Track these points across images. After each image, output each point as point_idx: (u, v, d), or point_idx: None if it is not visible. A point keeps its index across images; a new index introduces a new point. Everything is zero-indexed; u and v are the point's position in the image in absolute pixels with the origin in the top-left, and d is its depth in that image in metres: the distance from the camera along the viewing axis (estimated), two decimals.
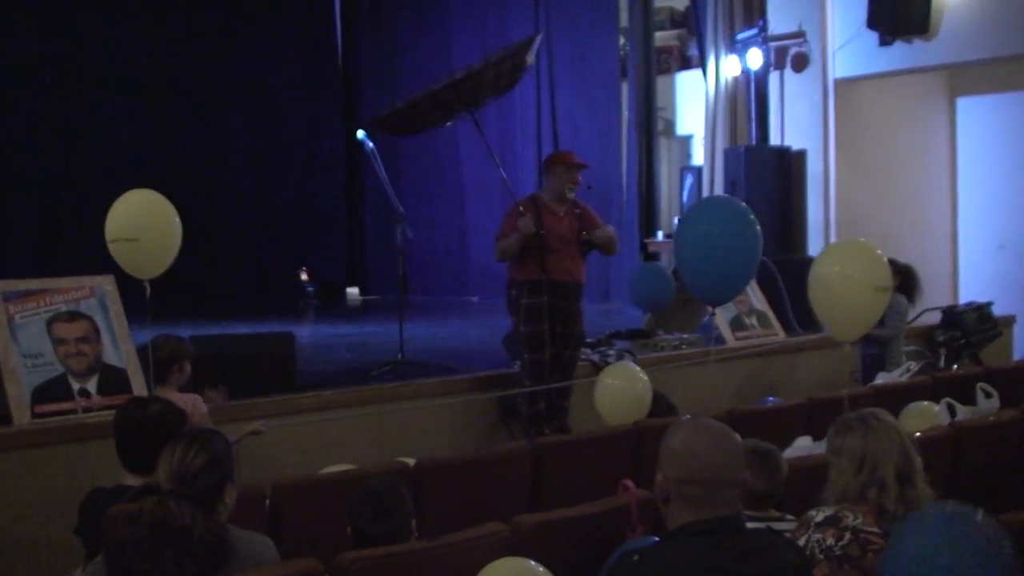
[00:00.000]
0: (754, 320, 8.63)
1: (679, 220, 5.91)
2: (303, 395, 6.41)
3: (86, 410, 5.55)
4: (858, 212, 10.41)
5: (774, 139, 10.78)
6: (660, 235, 12.03)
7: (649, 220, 12.16)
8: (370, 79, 14.44)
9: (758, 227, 5.31)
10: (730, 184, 10.44)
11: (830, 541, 3.11)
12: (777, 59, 10.49)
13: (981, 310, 9.12)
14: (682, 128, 13.12)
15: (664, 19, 13.09)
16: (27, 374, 5.50)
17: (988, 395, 5.95)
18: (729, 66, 11.03)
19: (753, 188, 10.11)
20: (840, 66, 10.41)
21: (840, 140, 10.47)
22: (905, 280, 7.91)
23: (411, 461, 4.70)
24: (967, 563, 2.40)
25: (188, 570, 2.74)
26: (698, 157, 12.29)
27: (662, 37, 12.86)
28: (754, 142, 10.83)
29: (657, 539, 2.94)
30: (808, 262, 5.28)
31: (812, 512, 3.23)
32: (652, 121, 12.19)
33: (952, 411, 5.66)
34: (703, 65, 11.43)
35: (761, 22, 10.69)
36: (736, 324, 8.48)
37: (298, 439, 6.04)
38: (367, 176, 13.64)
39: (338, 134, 14.35)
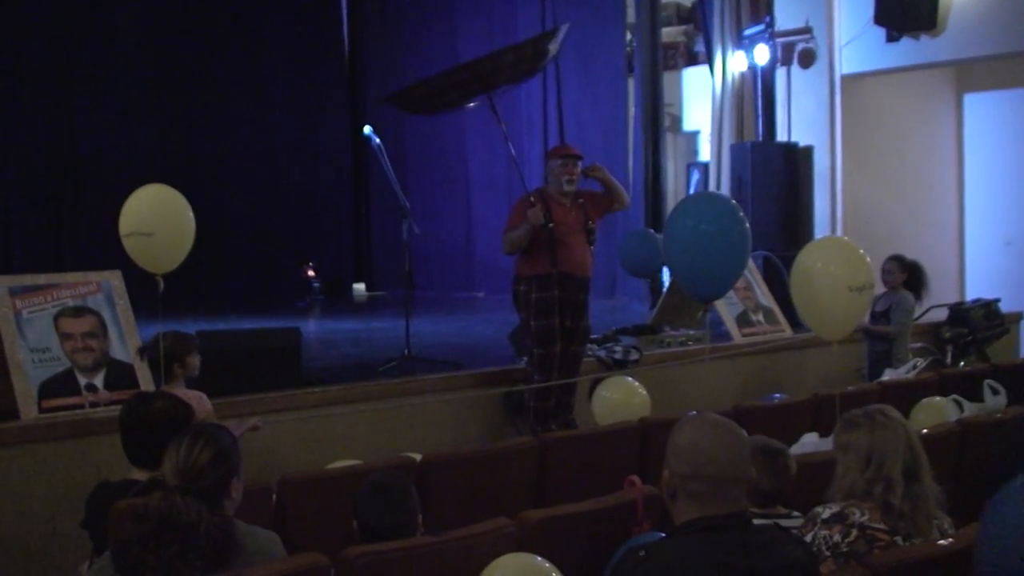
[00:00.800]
0: (760, 316, 8.62)
1: (668, 217, 5.88)
2: (309, 391, 6.41)
3: (93, 405, 5.57)
4: (865, 208, 10.40)
5: (781, 135, 10.76)
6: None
7: (656, 216, 12.14)
8: (376, 75, 14.43)
9: (747, 223, 5.27)
10: (736, 180, 10.42)
11: (837, 538, 3.11)
12: (784, 55, 10.48)
13: (988, 306, 9.09)
14: (689, 124, 13.11)
15: (671, 15, 13.07)
16: (34, 369, 5.51)
17: (995, 392, 5.93)
18: (736, 62, 11.01)
19: (760, 184, 10.10)
20: (847, 62, 10.39)
21: (847, 136, 10.46)
22: (912, 277, 7.90)
23: (417, 456, 4.70)
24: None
25: (194, 565, 2.74)
26: (705, 153, 12.28)
27: (669, 33, 12.83)
28: (761, 138, 10.82)
29: (663, 535, 2.94)
30: None
31: (818, 509, 3.22)
32: (658, 117, 12.16)
33: (959, 408, 5.65)
34: (710, 61, 11.41)
35: (768, 18, 10.67)
36: (743, 320, 8.47)
37: (304, 434, 6.05)
38: (373, 172, 13.64)
39: (344, 129, 14.35)
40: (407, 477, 3.60)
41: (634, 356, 7.28)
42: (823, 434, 4.90)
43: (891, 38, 9.98)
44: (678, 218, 5.40)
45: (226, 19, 13.17)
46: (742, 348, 8.16)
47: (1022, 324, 9.97)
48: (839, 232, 10.28)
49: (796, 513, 3.53)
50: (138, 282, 5.62)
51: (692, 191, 11.71)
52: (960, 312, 9.00)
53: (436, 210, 13.30)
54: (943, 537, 3.17)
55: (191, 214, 5.21)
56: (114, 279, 5.96)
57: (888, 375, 7.14)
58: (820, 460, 3.96)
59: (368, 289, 14.33)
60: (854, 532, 3.11)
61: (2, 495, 5.14)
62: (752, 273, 8.71)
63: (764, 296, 8.78)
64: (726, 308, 8.33)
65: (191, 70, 12.95)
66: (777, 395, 6.79)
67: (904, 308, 7.79)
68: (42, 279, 5.81)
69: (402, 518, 3.33)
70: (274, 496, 4.21)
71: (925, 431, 4.55)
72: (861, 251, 4.89)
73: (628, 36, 12.38)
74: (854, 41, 10.24)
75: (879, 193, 10.54)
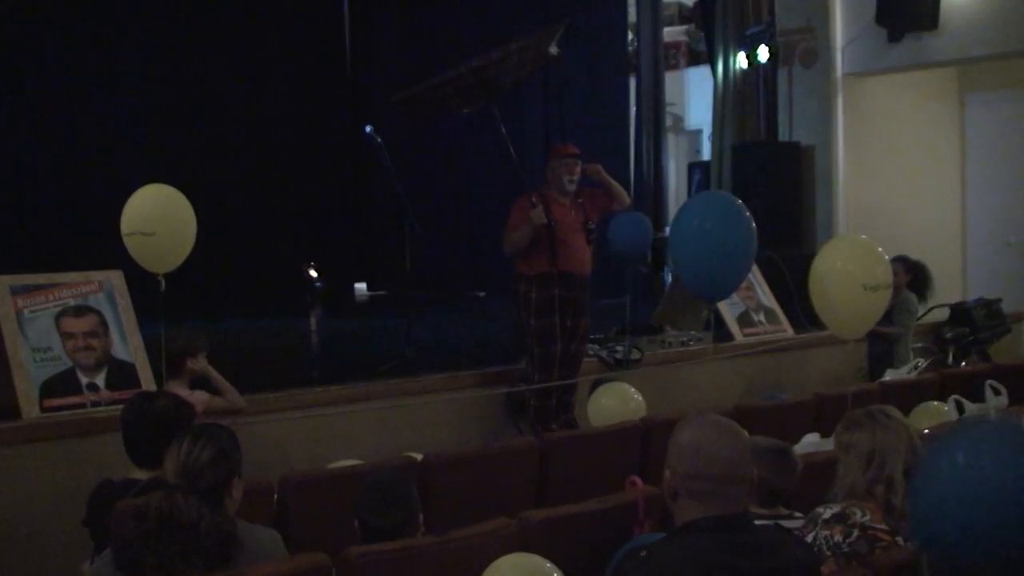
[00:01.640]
0: (762, 316, 8.62)
1: (674, 216, 5.88)
2: (311, 390, 6.41)
3: (94, 404, 5.57)
4: (867, 208, 10.39)
5: (782, 135, 10.75)
6: (668, 231, 12.01)
7: (657, 216, 12.15)
8: (378, 74, 14.43)
9: (753, 223, 5.27)
10: (738, 180, 10.42)
11: (838, 538, 3.10)
12: (786, 54, 10.47)
13: (990, 306, 9.08)
14: (690, 124, 13.11)
15: (673, 14, 13.10)
16: (36, 368, 5.51)
17: (997, 392, 5.92)
18: (737, 61, 11.01)
19: (761, 183, 10.09)
20: (849, 62, 10.38)
21: (848, 136, 10.45)
22: (917, 277, 7.89)
23: (418, 456, 4.71)
24: (1012, 473, 2.21)
25: (195, 564, 2.74)
26: (707, 152, 12.28)
27: (670, 32, 12.85)
28: (763, 137, 10.81)
29: (664, 535, 2.94)
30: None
31: (820, 509, 3.22)
32: (660, 117, 12.18)
33: (960, 408, 5.64)
34: (711, 60, 11.41)
35: (770, 17, 10.67)
36: (744, 320, 8.46)
37: (306, 434, 6.04)
38: (374, 171, 13.63)
39: (345, 129, 14.34)
40: (408, 477, 3.61)
41: (635, 356, 7.28)
42: (824, 434, 4.90)
43: (893, 38, 9.96)
44: (685, 217, 5.40)
45: (228, 18, 13.15)
46: (743, 348, 8.16)
47: None
48: (841, 231, 10.26)
49: (797, 514, 3.53)
50: (139, 282, 5.62)
51: (694, 191, 11.70)
52: (962, 312, 9.00)
53: (437, 209, 13.29)
54: None
55: (192, 214, 5.22)
56: (116, 278, 5.95)
57: (890, 375, 7.14)
58: (821, 460, 3.96)
59: (369, 289, 14.33)
60: (855, 532, 3.11)
61: (4, 494, 5.14)
62: (754, 273, 8.70)
63: (765, 296, 8.78)
64: (728, 308, 8.33)
65: (193, 69, 12.93)
66: (779, 395, 6.80)
67: (907, 309, 7.78)
68: (43, 278, 5.80)
69: (403, 518, 3.33)
70: (275, 495, 4.21)
71: (926, 431, 4.55)
72: (880, 250, 4.89)
73: (630, 35, 12.39)
74: (856, 41, 10.23)
75: (881, 193, 10.53)
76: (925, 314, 8.54)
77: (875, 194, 10.51)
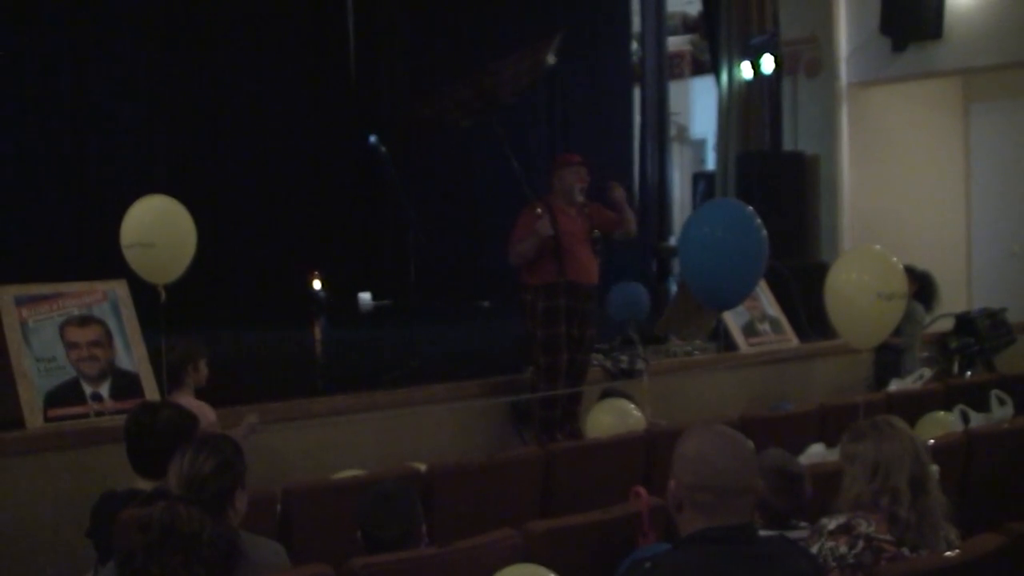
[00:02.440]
0: (767, 326, 8.60)
1: (684, 224, 5.87)
2: (315, 399, 6.41)
3: (98, 414, 5.57)
4: (871, 217, 10.38)
5: (787, 144, 10.75)
6: (672, 240, 12.02)
7: (662, 225, 12.15)
8: (382, 84, 14.43)
9: (764, 231, 5.26)
10: (742, 189, 10.41)
11: (843, 549, 3.09)
12: (790, 64, 10.47)
13: (995, 316, 9.06)
14: (695, 133, 13.11)
15: (677, 24, 13.11)
16: (40, 378, 5.51)
17: (1002, 402, 5.90)
18: (742, 71, 11.01)
19: (766, 193, 10.08)
20: (853, 71, 10.39)
21: (853, 145, 10.45)
22: (923, 288, 7.87)
23: (422, 466, 4.70)
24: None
25: (198, 575, 2.74)
26: (711, 162, 12.28)
27: (675, 42, 12.87)
28: (767, 147, 10.81)
29: (669, 546, 2.93)
30: (821, 267, 5.27)
31: (825, 520, 3.21)
32: (665, 126, 12.20)
33: (966, 418, 5.62)
34: (716, 70, 11.42)
35: (774, 27, 10.67)
36: (749, 330, 8.45)
37: (309, 444, 6.04)
38: (379, 181, 13.63)
39: (349, 138, 14.34)
40: (412, 487, 3.59)
41: (640, 366, 7.27)
42: (829, 444, 4.89)
43: (897, 47, 9.97)
44: (695, 225, 5.39)
45: (232, 29, 13.17)
46: (748, 358, 8.15)
47: None
48: (845, 241, 10.27)
49: (803, 524, 3.51)
50: (143, 292, 5.62)
51: (698, 200, 11.70)
52: (967, 322, 8.97)
53: (441, 219, 13.29)
54: (949, 548, 3.16)
55: (192, 224, 5.21)
56: (120, 289, 5.95)
57: (895, 385, 7.12)
58: (826, 471, 3.95)
59: (374, 298, 14.31)
60: (860, 543, 3.09)
61: (7, 504, 5.14)
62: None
63: (770, 305, 8.77)
64: (732, 318, 8.31)
65: (195, 78, 12.94)
66: (784, 405, 6.78)
67: (913, 319, 7.75)
68: (48, 288, 5.81)
69: (406, 528, 3.32)
70: (279, 505, 4.20)
71: (932, 442, 4.54)
72: (895, 259, 4.88)
73: (634, 45, 12.40)
74: (860, 50, 10.23)
75: (885, 202, 10.52)
76: (930, 324, 8.52)
77: (879, 203, 10.51)
